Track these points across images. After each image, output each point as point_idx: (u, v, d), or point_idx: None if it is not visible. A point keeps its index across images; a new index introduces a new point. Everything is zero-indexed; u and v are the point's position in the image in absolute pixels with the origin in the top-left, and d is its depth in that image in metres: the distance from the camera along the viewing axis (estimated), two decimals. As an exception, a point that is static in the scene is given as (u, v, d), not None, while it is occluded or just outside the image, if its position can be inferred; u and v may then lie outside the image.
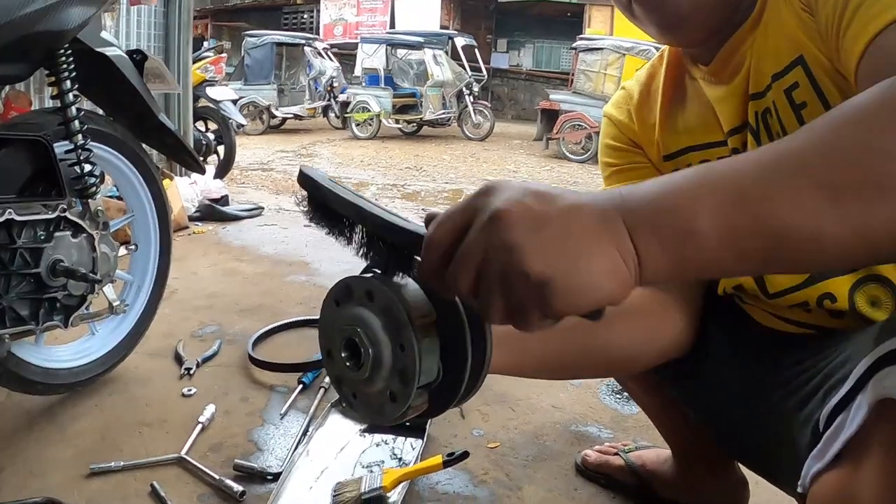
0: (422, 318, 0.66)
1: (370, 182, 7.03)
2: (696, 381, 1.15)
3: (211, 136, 5.12)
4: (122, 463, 1.50)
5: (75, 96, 1.58)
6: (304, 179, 0.75)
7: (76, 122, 1.57)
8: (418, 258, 0.64)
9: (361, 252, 0.71)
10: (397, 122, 12.20)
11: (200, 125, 5.23)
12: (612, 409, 1.88)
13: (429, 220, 0.65)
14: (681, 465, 1.46)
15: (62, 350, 1.80)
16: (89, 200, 1.63)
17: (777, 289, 0.99)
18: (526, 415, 1.84)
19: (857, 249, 0.60)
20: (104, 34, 1.73)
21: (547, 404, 1.89)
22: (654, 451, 1.55)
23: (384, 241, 0.68)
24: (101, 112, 2.01)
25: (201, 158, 4.92)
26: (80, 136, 1.58)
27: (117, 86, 1.74)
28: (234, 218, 4.22)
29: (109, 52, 1.67)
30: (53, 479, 1.47)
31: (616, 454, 1.56)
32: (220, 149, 5.20)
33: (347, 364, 0.69)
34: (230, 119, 5.15)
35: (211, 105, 5.05)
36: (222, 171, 5.19)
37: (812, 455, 0.74)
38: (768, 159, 0.59)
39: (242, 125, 5.60)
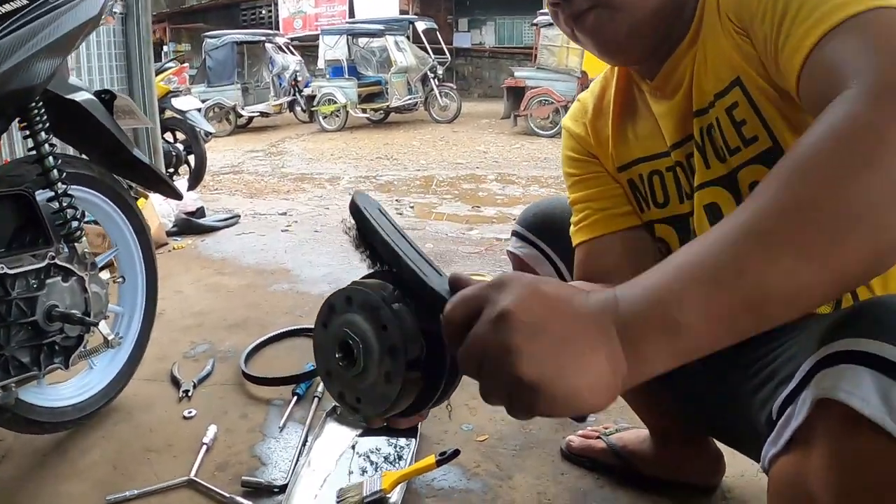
0: (394, 300, 0.73)
1: (342, 175, 7.06)
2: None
3: (180, 146, 5.14)
4: (135, 491, 1.57)
5: (51, 145, 1.63)
6: (356, 211, 0.80)
7: (55, 171, 1.62)
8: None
9: (375, 275, 0.80)
10: (364, 111, 12.20)
11: (169, 136, 5.25)
12: (592, 393, 1.97)
13: (453, 282, 0.72)
14: (658, 443, 1.55)
15: (65, 388, 1.86)
16: (76, 244, 1.69)
17: None
18: (512, 405, 1.92)
19: (838, 288, 0.65)
20: (72, 79, 1.78)
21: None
22: (633, 431, 1.64)
23: (405, 284, 0.75)
24: (75, 152, 2.07)
25: (172, 170, 4.97)
26: (59, 184, 1.63)
27: (90, 127, 1.80)
28: (212, 229, 4.26)
29: (79, 97, 1.72)
30: (72, 514, 1.54)
31: (598, 437, 1.65)
32: (191, 158, 5.22)
33: (342, 364, 0.75)
34: (198, 128, 5.17)
35: (177, 116, 5.07)
36: (194, 181, 5.22)
37: (769, 440, 0.83)
38: (734, 235, 0.63)
39: (210, 133, 5.61)
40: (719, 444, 1.49)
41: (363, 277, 0.79)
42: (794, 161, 0.65)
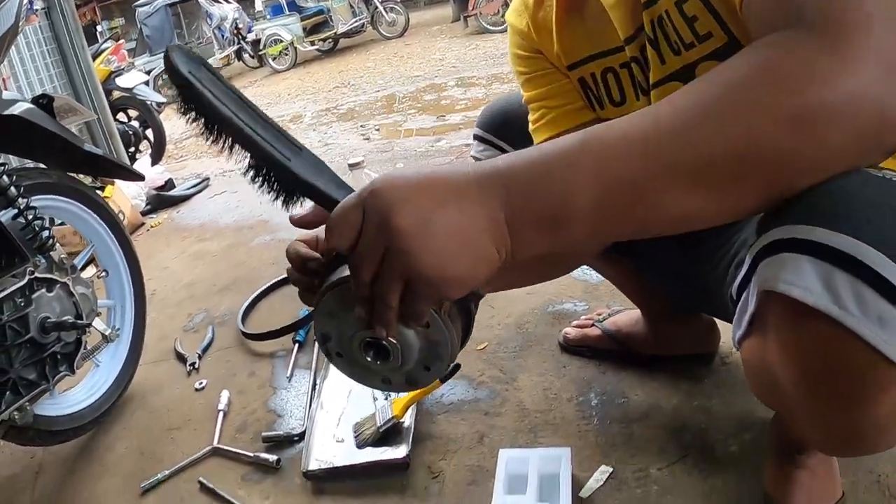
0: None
1: (303, 112, 6.97)
2: (639, 249, 1.25)
3: (135, 123, 5.06)
4: (166, 472, 1.63)
5: (2, 164, 1.61)
6: (175, 74, 0.68)
7: (12, 188, 1.60)
8: None
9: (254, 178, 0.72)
10: (312, 43, 11.91)
11: (122, 116, 5.16)
12: (582, 282, 2.00)
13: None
14: (651, 321, 1.58)
15: (77, 392, 1.90)
16: (50, 253, 1.69)
17: None
18: (505, 308, 1.96)
19: (726, 219, 0.67)
20: (6, 94, 1.75)
21: (522, 292, 2.00)
22: (626, 314, 1.67)
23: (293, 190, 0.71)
24: (28, 163, 2.05)
25: (133, 149, 4.91)
26: (20, 199, 1.62)
27: (36, 136, 1.77)
28: (185, 199, 4.24)
29: (17, 109, 1.69)
30: (113, 510, 1.59)
31: (593, 325, 1.68)
32: (149, 133, 5.14)
33: (374, 361, 0.71)
34: (149, 101, 5.07)
35: (126, 94, 4.97)
36: (157, 155, 5.15)
37: (734, 322, 0.85)
38: (639, 144, 0.63)
39: (163, 102, 5.51)
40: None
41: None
42: (714, 86, 0.64)
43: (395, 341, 0.69)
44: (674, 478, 1.31)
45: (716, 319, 1.53)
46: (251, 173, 0.72)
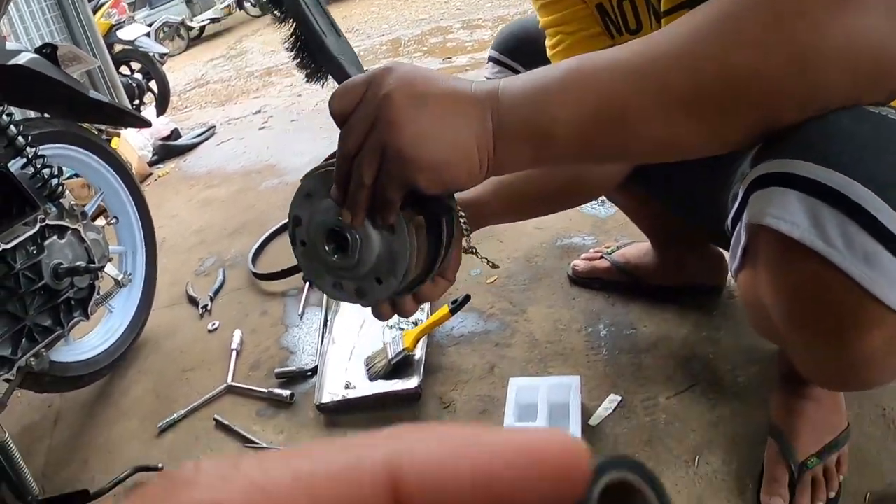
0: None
1: (307, 61, 6.89)
2: (650, 178, 1.26)
3: (139, 76, 5.03)
4: (182, 412, 1.66)
5: (8, 115, 1.61)
6: None
7: (20, 138, 1.60)
8: None
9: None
10: (314, -11, 11.73)
11: (125, 69, 5.12)
12: (590, 216, 2.00)
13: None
14: (660, 252, 1.58)
15: (92, 338, 1.92)
16: (60, 200, 1.70)
17: None
18: (514, 242, 1.97)
19: (711, 150, 0.67)
20: (9, 45, 1.73)
21: (531, 227, 2.00)
22: (634, 246, 1.67)
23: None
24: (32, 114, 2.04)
25: (137, 101, 4.89)
26: (28, 149, 1.62)
27: (41, 85, 1.76)
28: (191, 147, 4.23)
29: (21, 59, 1.68)
30: (131, 450, 1.63)
31: (601, 258, 1.68)
32: (153, 84, 5.11)
33: (337, 256, 0.73)
34: (151, 53, 5.03)
35: (127, 47, 4.92)
36: (162, 106, 5.13)
37: (730, 253, 0.85)
38: (634, 67, 0.64)
39: (165, 54, 5.46)
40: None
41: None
42: (711, 17, 0.63)
43: (357, 236, 0.70)
44: (682, 407, 1.32)
45: (724, 252, 1.53)
46: (290, 42, 0.80)
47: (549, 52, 1.18)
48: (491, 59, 1.40)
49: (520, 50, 1.34)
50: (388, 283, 0.72)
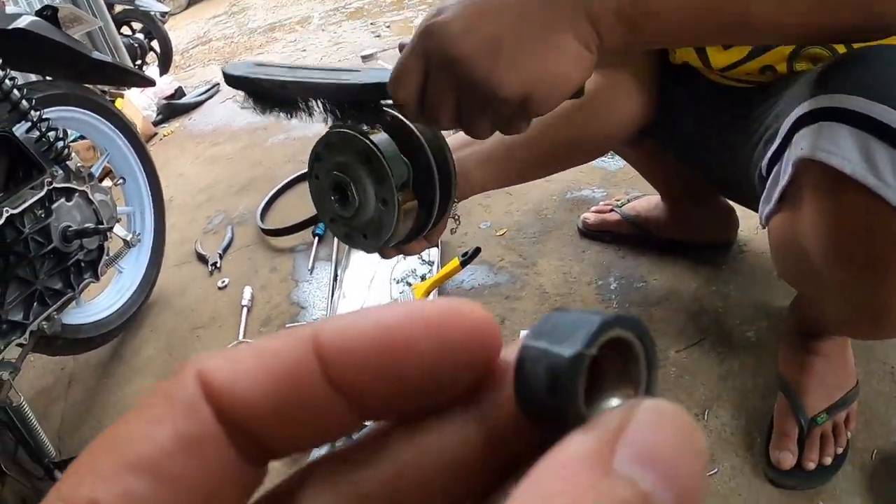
0: (370, 129, 0.76)
1: (311, 14, 6.79)
2: (667, 132, 1.24)
3: (140, 36, 4.96)
4: (194, 370, 1.67)
5: (11, 79, 1.58)
6: (234, 81, 0.78)
7: (24, 102, 1.58)
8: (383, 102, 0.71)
9: (322, 118, 0.77)
10: (315, -59, 11.55)
11: (126, 30, 5.06)
12: (600, 169, 1.98)
13: (402, 48, 0.68)
14: (670, 205, 1.57)
15: (102, 299, 1.93)
16: (67, 162, 1.69)
17: (720, 65, 1.03)
18: (523, 195, 1.96)
19: (821, 29, 0.64)
20: (8, 9, 1.71)
21: (540, 180, 1.98)
22: (644, 199, 1.66)
23: (342, 102, 0.74)
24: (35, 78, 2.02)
25: (140, 62, 4.83)
26: (32, 112, 1.60)
27: (43, 48, 1.74)
28: (196, 106, 4.19)
29: (22, 23, 1.65)
30: (145, 411, 1.65)
31: (612, 210, 1.67)
32: (154, 44, 5.05)
33: (340, 205, 0.79)
34: (152, 12, 4.96)
35: (127, 6, 4.86)
36: (164, 65, 5.06)
37: (762, 198, 0.83)
38: None
39: (166, 12, 5.39)
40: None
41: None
42: None
43: (357, 198, 0.76)
44: (692, 360, 1.33)
45: (735, 207, 1.52)
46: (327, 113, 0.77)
47: None
48: None
49: None
50: (371, 242, 0.79)
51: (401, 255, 1.72)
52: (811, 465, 1.08)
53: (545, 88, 0.62)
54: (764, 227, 0.91)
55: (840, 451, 1.10)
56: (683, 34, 0.66)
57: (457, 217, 0.90)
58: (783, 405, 1.14)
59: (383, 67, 0.76)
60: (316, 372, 0.17)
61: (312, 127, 3.11)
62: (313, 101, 0.74)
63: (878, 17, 0.63)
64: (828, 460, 1.08)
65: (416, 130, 0.76)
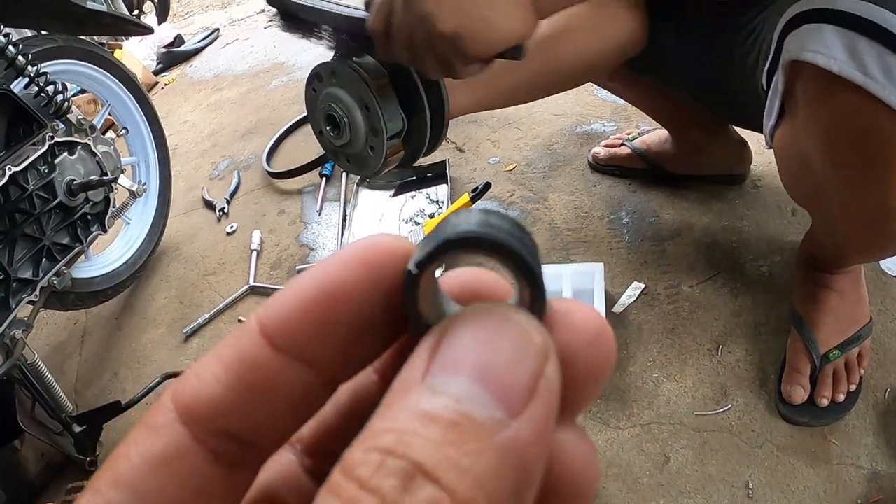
0: (376, 80, 0.79)
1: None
2: (661, 62, 1.21)
3: (137, -16, 4.88)
4: (206, 316, 1.68)
5: (5, 35, 1.55)
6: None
7: (20, 58, 1.55)
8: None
9: (328, 45, 0.83)
10: None
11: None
12: (610, 103, 1.94)
13: (366, 2, 0.75)
14: (680, 139, 1.54)
15: (112, 251, 1.92)
16: (67, 116, 1.66)
17: None
18: (532, 130, 1.93)
19: None
20: None
21: (549, 114, 1.96)
22: (655, 132, 1.62)
23: (339, 30, 0.80)
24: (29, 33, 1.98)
25: (136, 12, 4.75)
26: (30, 68, 1.57)
27: (36, 2, 1.71)
28: (196, 52, 4.13)
29: None
30: (159, 358, 1.66)
31: (622, 144, 1.65)
32: (151, -8, 4.97)
33: (332, 134, 0.82)
34: (147, -39, 4.87)
35: (123, -44, 4.76)
36: (162, 13, 4.96)
37: (765, 114, 0.83)
38: None
39: (163, -41, 5.28)
40: (742, 132, 1.48)
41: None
42: None
43: (345, 119, 0.80)
44: (704, 295, 1.32)
45: (747, 140, 1.49)
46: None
47: None
48: None
49: None
50: (353, 168, 0.86)
51: (409, 195, 1.75)
52: (824, 402, 1.08)
53: (474, 30, 0.66)
54: (770, 147, 0.90)
55: (853, 388, 1.09)
56: None
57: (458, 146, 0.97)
58: (796, 340, 1.13)
59: None
60: (265, 348, 0.18)
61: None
62: (325, 29, 0.82)
63: None
64: (840, 397, 1.08)
65: (419, 84, 0.80)
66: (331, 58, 0.84)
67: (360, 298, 0.18)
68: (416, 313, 0.18)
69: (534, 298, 0.17)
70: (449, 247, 0.17)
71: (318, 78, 0.82)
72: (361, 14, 0.77)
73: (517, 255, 0.17)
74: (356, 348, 0.19)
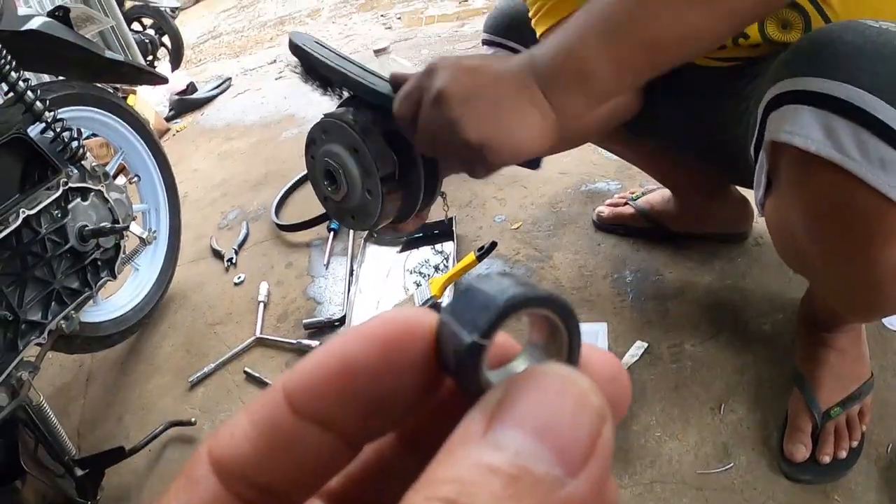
0: (360, 123, 0.81)
1: (321, 6, 6.78)
2: (657, 126, 1.25)
3: (151, 31, 4.98)
4: (212, 365, 1.69)
5: (24, 80, 1.59)
6: (295, 49, 0.88)
7: (38, 103, 1.59)
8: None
9: (344, 103, 0.87)
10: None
11: (136, 26, 5.08)
12: (614, 162, 1.96)
13: (393, 80, 0.79)
14: (682, 199, 1.57)
15: (120, 296, 1.94)
16: (82, 162, 1.69)
17: None
18: (538, 188, 1.96)
19: (727, 30, 0.70)
20: (21, 10, 1.72)
21: (554, 173, 1.99)
22: (659, 192, 1.65)
23: (363, 99, 0.83)
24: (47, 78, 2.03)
25: (151, 58, 4.85)
26: (46, 113, 1.61)
27: (56, 49, 1.74)
28: (208, 101, 4.20)
29: (34, 24, 1.65)
30: (164, 405, 1.66)
31: (626, 204, 1.67)
32: (165, 39, 5.07)
33: (331, 189, 0.84)
34: (162, 8, 4.97)
35: (138, 3, 4.87)
36: (176, 60, 5.08)
37: (755, 185, 0.86)
38: None
39: (176, 7, 5.40)
40: (744, 190, 1.51)
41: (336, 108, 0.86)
42: None
43: (345, 185, 0.82)
44: (707, 353, 1.33)
45: (748, 198, 1.51)
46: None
47: (532, 21, 1.18)
48: (485, 42, 1.40)
49: (510, 28, 1.35)
50: (358, 223, 0.86)
51: (414, 248, 1.77)
52: (826, 459, 1.08)
53: (499, 143, 0.70)
54: (762, 216, 0.93)
55: (855, 444, 1.10)
56: (621, 79, 0.72)
57: (444, 196, 0.98)
58: (797, 399, 1.14)
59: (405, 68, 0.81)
60: (288, 412, 0.20)
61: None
62: (344, 90, 0.86)
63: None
64: (842, 454, 1.09)
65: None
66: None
67: (379, 374, 0.19)
68: (477, 380, 0.18)
69: (572, 350, 0.19)
70: (510, 310, 0.18)
71: (312, 142, 0.86)
72: (386, 89, 0.79)
73: (569, 309, 0.19)
74: (376, 417, 0.20)
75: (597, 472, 0.16)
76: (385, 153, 0.80)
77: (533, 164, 0.76)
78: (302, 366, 0.20)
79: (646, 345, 1.36)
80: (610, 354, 0.20)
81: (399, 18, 5.14)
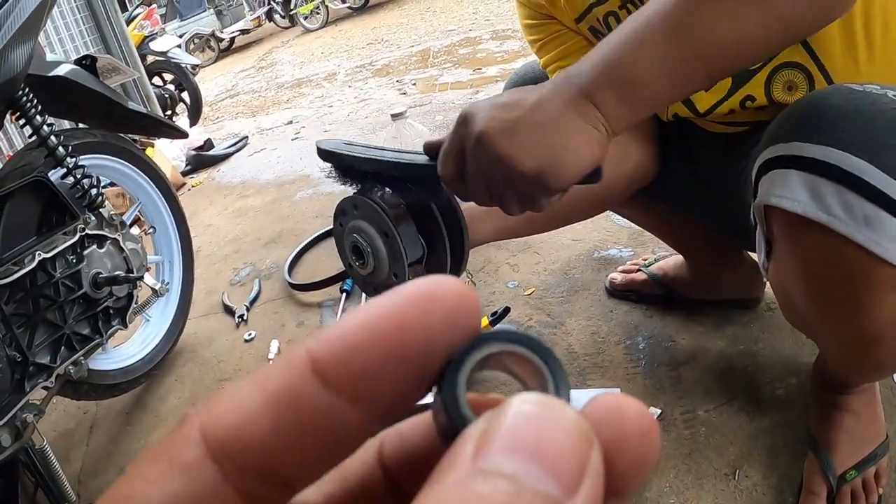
0: (394, 209, 0.83)
1: (337, 70, 6.94)
2: (672, 191, 1.27)
3: (171, 87, 5.10)
4: (218, 420, 1.67)
5: (49, 125, 1.63)
6: (325, 155, 0.88)
7: (60, 149, 1.62)
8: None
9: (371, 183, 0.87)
10: (344, 1, 11.83)
11: (157, 80, 5.20)
12: (627, 228, 1.99)
13: (427, 148, 0.79)
14: (695, 264, 1.57)
15: (129, 346, 1.95)
16: (100, 210, 1.72)
17: (705, 107, 1.07)
18: (551, 254, 1.97)
19: (784, 34, 0.70)
20: (49, 56, 1.77)
21: (567, 239, 2.01)
22: (671, 259, 1.66)
23: (405, 178, 0.82)
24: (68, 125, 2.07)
25: (170, 112, 4.95)
26: (68, 159, 1.64)
27: (80, 96, 1.79)
28: (224, 157, 4.27)
29: (62, 70, 1.71)
30: (169, 458, 1.65)
31: (639, 270, 1.68)
32: (185, 95, 5.19)
33: (357, 264, 0.85)
34: (183, 64, 5.11)
35: (160, 58, 5.01)
36: (194, 116, 5.20)
37: (756, 248, 0.88)
38: None
39: (197, 65, 5.55)
40: (755, 256, 1.51)
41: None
42: None
43: (372, 263, 0.84)
44: (721, 420, 1.32)
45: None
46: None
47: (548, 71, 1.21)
48: None
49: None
50: (400, 273, 0.85)
51: None
52: None
53: (555, 164, 0.69)
54: (766, 280, 0.95)
55: None
56: (672, 87, 0.71)
57: (471, 276, 0.99)
58: (812, 463, 1.13)
59: (421, 133, 0.83)
60: (314, 384, 0.17)
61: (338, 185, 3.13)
62: (384, 175, 0.83)
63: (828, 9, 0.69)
64: None
65: (437, 213, 0.85)
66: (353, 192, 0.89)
67: (422, 337, 0.18)
68: (456, 408, 0.18)
69: (559, 389, 0.19)
70: (490, 339, 0.18)
71: (343, 213, 0.87)
72: (424, 159, 0.79)
73: (546, 348, 0.19)
74: (404, 389, 0.18)
75: (591, 493, 0.16)
76: (414, 241, 0.81)
77: (593, 176, 0.73)
78: (334, 329, 0.18)
79: (659, 411, 1.35)
80: (644, 407, 0.19)
81: (414, 84, 5.24)
